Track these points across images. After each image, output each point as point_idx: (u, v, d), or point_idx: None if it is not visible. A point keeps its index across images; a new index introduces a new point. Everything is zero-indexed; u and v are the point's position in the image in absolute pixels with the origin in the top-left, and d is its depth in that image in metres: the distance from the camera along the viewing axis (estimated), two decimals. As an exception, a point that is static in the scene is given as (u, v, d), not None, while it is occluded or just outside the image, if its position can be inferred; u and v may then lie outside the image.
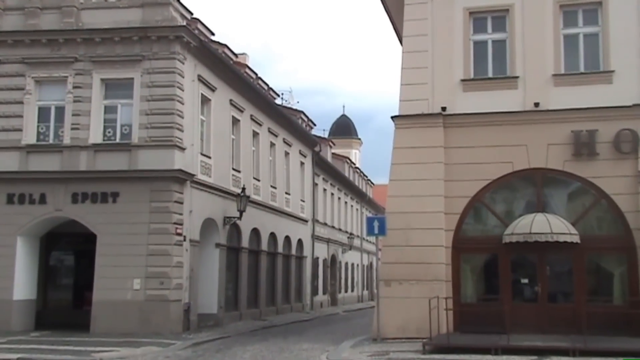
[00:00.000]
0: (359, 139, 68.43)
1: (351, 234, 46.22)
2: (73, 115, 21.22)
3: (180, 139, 21.04)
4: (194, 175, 21.69)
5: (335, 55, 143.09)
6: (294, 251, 33.47)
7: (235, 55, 29.14)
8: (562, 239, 16.40)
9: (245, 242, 26.67)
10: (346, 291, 46.46)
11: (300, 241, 34.63)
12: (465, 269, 17.59)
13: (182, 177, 20.92)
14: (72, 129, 21.15)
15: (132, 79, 21.13)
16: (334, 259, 42.97)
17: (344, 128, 66.63)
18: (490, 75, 17.85)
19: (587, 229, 16.93)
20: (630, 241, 16.55)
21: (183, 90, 21.32)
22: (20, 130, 21.30)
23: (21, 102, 21.41)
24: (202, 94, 23.00)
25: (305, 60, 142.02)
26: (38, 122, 21.60)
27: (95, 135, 21.13)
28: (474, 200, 17.41)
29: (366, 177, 58.08)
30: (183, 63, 21.39)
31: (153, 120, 20.80)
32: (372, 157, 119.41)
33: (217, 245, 23.96)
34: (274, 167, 30.85)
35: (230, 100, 25.55)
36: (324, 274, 39.92)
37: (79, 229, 20.94)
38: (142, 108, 20.92)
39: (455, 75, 17.81)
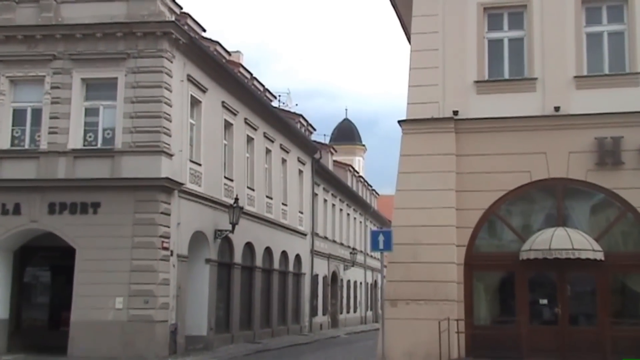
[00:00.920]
0: (363, 145, 68.53)
1: (354, 249, 46.22)
2: (51, 118, 21.27)
3: (168, 145, 21.08)
4: (182, 184, 21.72)
5: (337, 54, 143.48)
6: (291, 268, 33.46)
7: (229, 53, 29.23)
8: (584, 255, 16.40)
9: (238, 257, 26.68)
10: (348, 312, 46.38)
11: (298, 257, 34.63)
12: (479, 288, 17.58)
13: (169, 186, 20.95)
14: (50, 133, 21.20)
15: (116, 78, 21.20)
16: (335, 276, 42.93)
17: (346, 133, 66.73)
18: (506, 76, 17.89)
19: (612, 245, 16.93)
20: (659, 258, 16.56)
21: (171, 92, 21.38)
22: (-7, 134, 21.37)
23: (-6, 104, 21.49)
24: (191, 96, 23.06)
25: (304, 59, 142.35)
26: (12, 125, 21.66)
27: (75, 140, 21.18)
28: (489, 212, 17.42)
29: (370, 187, 58.09)
30: (171, 62, 21.46)
31: (138, 124, 20.85)
32: (377, 165, 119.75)
33: (207, 260, 23.97)
34: (269, 176, 30.88)
35: (223, 102, 25.61)
36: (324, 293, 39.89)
37: (57, 242, 20.95)
38: (127, 110, 20.97)
39: (468, 77, 17.85)
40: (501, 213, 17.54)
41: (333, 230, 42.78)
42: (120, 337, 19.84)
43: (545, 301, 17.26)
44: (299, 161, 35.37)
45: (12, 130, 21.63)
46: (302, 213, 35.52)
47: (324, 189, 40.56)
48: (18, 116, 21.65)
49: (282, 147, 32.51)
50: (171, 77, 21.40)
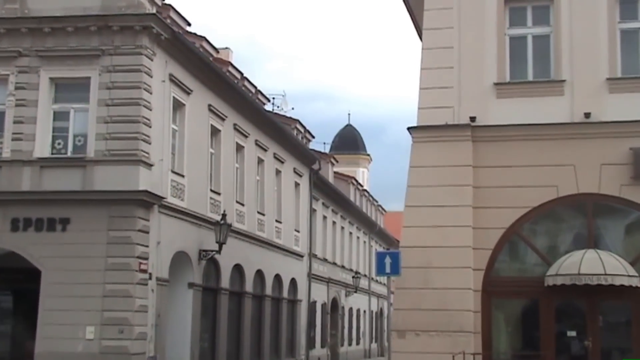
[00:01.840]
0: (368, 154, 68.61)
1: (357, 272, 46.19)
2: (15, 122, 21.28)
3: (147, 153, 21.09)
4: (162, 198, 21.72)
5: (338, 51, 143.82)
6: (285, 293, 33.41)
7: (216, 50, 29.30)
8: (618, 281, 16.36)
9: (225, 281, 26.64)
10: (350, 344, 46.30)
11: (293, 281, 34.58)
12: (498, 318, 17.55)
13: (148, 201, 20.94)
14: (14, 139, 21.21)
15: (89, 78, 21.23)
16: (335, 303, 42.85)
17: (349, 141, 66.84)
18: (530, 78, 17.91)
19: (650, 270, 16.91)
20: (703, 285, 16.52)
21: (151, 93, 21.41)
22: (-51, 140, 21.37)
23: (-49, 106, 21.51)
24: (174, 98, 23.09)
25: (301, 57, 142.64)
26: (-29, 130, 21.66)
27: (42, 148, 21.19)
28: (510, 232, 17.40)
29: (376, 202, 58.11)
30: (151, 59, 21.50)
31: (113, 130, 20.87)
32: (384, 177, 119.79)
33: (191, 285, 23.94)
34: (262, 189, 30.88)
35: (209, 105, 25.65)
36: (322, 322, 39.81)
37: (20, 263, 20.91)
38: (100, 114, 21.00)
39: (487, 78, 17.87)
40: (524, 233, 17.52)
41: (333, 251, 42.73)
42: (91, 371, 19.79)
43: (573, 333, 17.22)
44: (295, 173, 35.38)
45: (-29, 136, 21.62)
46: (298, 232, 35.49)
47: (323, 204, 40.55)
48: (-23, 120, 21.64)
49: (276, 157, 32.53)
50: (151, 76, 21.42)
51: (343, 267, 44.87)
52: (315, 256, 38.20)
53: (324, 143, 58.86)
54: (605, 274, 16.28)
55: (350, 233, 47.53)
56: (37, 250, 20.60)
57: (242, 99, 28.30)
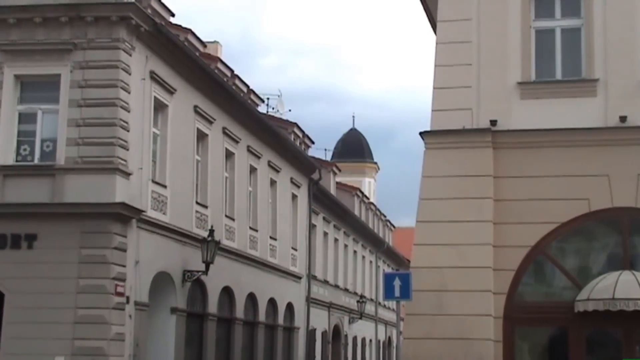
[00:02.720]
0: (375, 163, 68.70)
1: (362, 296, 46.15)
2: (-25, 125, 21.29)
3: (124, 161, 21.11)
4: (142, 211, 21.73)
5: (342, 45, 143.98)
6: (281, 320, 33.40)
7: (204, 44, 29.34)
8: (658, 307, 16.35)
9: (212, 306, 26.63)
10: (354, 377, 46.22)
11: (290, 306, 34.56)
12: (522, 349, 17.52)
13: (125, 214, 20.95)
14: (-26, 144, 21.22)
15: (59, 75, 21.26)
16: (337, 331, 42.80)
17: (353, 147, 66.95)
18: (558, 77, 17.92)
19: (694, 294, 16.87)
20: None
21: (129, 93, 21.44)
22: None
23: None
24: (155, 98, 23.12)
25: (300, 52, 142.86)
26: None
27: (5, 155, 21.20)
28: (535, 251, 17.39)
29: (384, 216, 58.11)
30: (130, 55, 21.53)
31: (87, 134, 20.90)
32: (393, 189, 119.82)
33: (174, 310, 23.93)
34: (254, 202, 30.89)
35: (195, 107, 25.68)
36: (323, 353, 39.76)
37: (-20, 285, 20.88)
38: (72, 117, 21.02)
39: (509, 77, 17.88)
40: (551, 252, 17.50)
41: (335, 272, 42.69)
42: (60, 408, 19.76)
43: (608, 365, 17.20)
44: (293, 183, 35.39)
45: None
46: (295, 250, 35.48)
47: (324, 219, 40.55)
48: None
49: (270, 165, 32.54)
50: (129, 74, 21.45)
51: (346, 290, 44.81)
52: (314, 278, 38.16)
53: (325, 149, 58.87)
54: (644, 299, 16.26)
55: (355, 252, 47.49)
56: (-1, 270, 20.59)
57: (232, 99, 28.33)
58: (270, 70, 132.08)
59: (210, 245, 24.53)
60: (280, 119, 38.83)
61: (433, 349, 17.03)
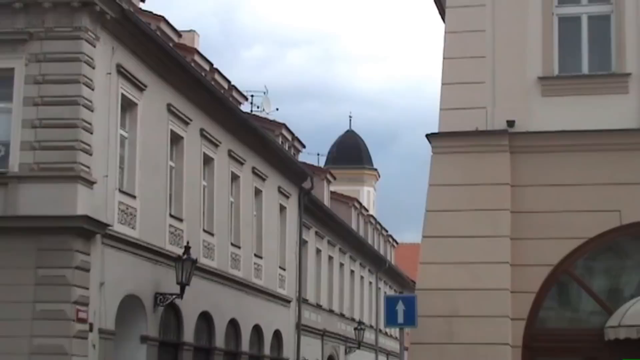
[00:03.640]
0: (375, 169, 68.74)
1: (360, 323, 46.15)
2: None
3: (88, 168, 21.09)
4: (107, 225, 21.71)
5: (337, 35, 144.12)
6: (267, 350, 33.37)
7: (179, 33, 29.34)
8: (699, 335, 16.37)
9: (189, 334, 26.60)
10: (351, 416, 46.19)
11: (277, 334, 34.54)
12: (544, 382, 17.53)
13: (88, 229, 20.94)
14: None
15: (12, 70, 21.23)
16: (332, 362, 42.79)
17: (350, 152, 66.99)
18: (584, 71, 17.94)
19: None
20: None
21: (93, 89, 21.43)
22: None
23: None
24: (123, 96, 23.10)
25: (289, 42, 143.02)
26: None
27: (-49, 160, 21.16)
28: (559, 271, 17.39)
29: (386, 231, 58.12)
30: (94, 46, 21.53)
31: (44, 137, 20.87)
32: (396, 199, 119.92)
33: (144, 339, 23.90)
34: (237, 214, 30.87)
35: (169, 105, 25.66)
36: (315, 388, 39.70)
37: None
38: (27, 117, 21.00)
39: (529, 71, 17.88)
40: (577, 271, 17.51)
41: (329, 295, 42.65)
42: None
43: (642, 402, 17.20)
44: (281, 193, 35.39)
45: None
46: (284, 270, 35.46)
47: (316, 233, 40.52)
48: None
49: (255, 172, 32.53)
50: (93, 68, 21.45)
51: (342, 315, 44.77)
52: (305, 302, 38.12)
53: (318, 154, 58.90)
54: (683, 326, 16.28)
55: (352, 271, 47.45)
56: (-57, 293, 20.52)
57: (211, 97, 28.31)
58: (255, 63, 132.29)
59: (185, 265, 24.47)
60: (267, 120, 38.84)
61: (442, 383, 17.04)
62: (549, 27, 18.07)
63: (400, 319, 17.39)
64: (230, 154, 30.13)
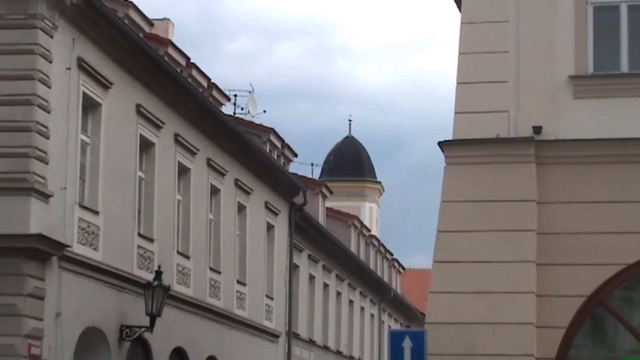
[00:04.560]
0: (378, 182, 68.69)
1: (360, 361, 46.16)
2: None
3: (43, 179, 21.07)
4: (66, 246, 21.66)
5: (335, 25, 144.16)
6: (251, 393, 33.30)
7: (150, 23, 29.33)
8: None
9: (159, 374, 26.55)
10: None
11: (263, 374, 34.46)
12: None
13: (43, 250, 20.90)
14: None
15: (-46, 63, 21.24)
16: (326, 408, 42.73)
17: (350, 162, 66.96)
18: (624, 69, 17.96)
19: None
20: None
21: (49, 87, 21.41)
22: None
23: None
24: (85, 94, 23.05)
25: (277, 35, 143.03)
26: None
27: None
28: (593, 302, 17.40)
29: (390, 254, 58.10)
30: (51, 36, 21.52)
31: (-8, 142, 20.85)
32: (402, 217, 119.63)
33: (107, 379, 23.86)
34: (216, 234, 30.83)
35: (138, 106, 25.61)
36: None
37: None
38: (-28, 118, 20.97)
39: (559, 69, 17.91)
40: (614, 303, 17.52)
41: (324, 329, 42.61)
42: None
43: None
44: (268, 209, 35.37)
45: None
46: (271, 299, 35.43)
47: (309, 257, 40.49)
48: None
49: (238, 185, 32.51)
50: (50, 62, 21.43)
51: (339, 353, 44.71)
52: (296, 336, 38.06)
53: (312, 164, 58.79)
54: None
55: (351, 301, 47.40)
56: None
57: (187, 96, 28.27)
58: (239, 58, 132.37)
59: (156, 292, 24.42)
60: (252, 124, 38.79)
61: None
62: (582, 17, 18.10)
63: (408, 357, 17.38)
64: (210, 164, 30.09)
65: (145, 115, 25.95)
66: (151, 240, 26.15)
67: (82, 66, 22.81)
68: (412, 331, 17.95)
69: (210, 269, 30.14)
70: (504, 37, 18.14)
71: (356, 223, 50.28)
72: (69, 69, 22.32)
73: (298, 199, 37.78)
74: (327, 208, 46.65)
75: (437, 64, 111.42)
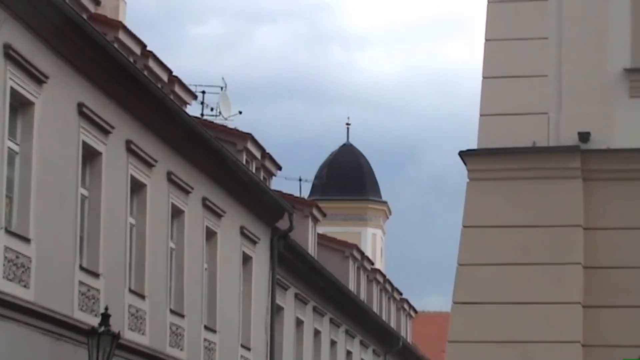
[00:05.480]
0: (384, 202, 68.84)
1: None
2: None
3: (-42, 196, 21.07)
4: (-14, 282, 21.67)
5: (329, 5, 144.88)
6: None
7: (97, 1, 29.31)
8: None
9: None
10: None
11: None
12: None
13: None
14: None
15: None
16: None
17: (347, 176, 67.25)
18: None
19: None
20: None
21: (-31, 82, 21.46)
22: None
23: None
24: (14, 90, 23.05)
25: (257, 17, 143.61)
26: None
27: None
28: (652, 354, 17.45)
29: (399, 293, 58.28)
30: (-29, 17, 21.56)
31: None
32: (413, 246, 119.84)
33: None
34: (179, 267, 30.85)
35: (81, 105, 25.62)
36: None
37: None
38: None
39: (611, 61, 17.98)
40: (680, 355, 17.55)
41: (316, 386, 42.70)
42: None
43: None
44: (245, 236, 35.44)
45: None
46: (248, 349, 35.55)
47: (296, 296, 40.58)
48: None
49: (207, 206, 32.55)
50: (-31, 49, 21.51)
51: (334, 417, 44.84)
52: (280, 397, 38.13)
53: (300, 179, 59.03)
54: None
55: (349, 352, 47.52)
56: None
57: (143, 93, 28.28)
58: (209, 45, 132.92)
59: (103, 341, 24.40)
60: (225, 128, 38.86)
61: None
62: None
63: None
64: (171, 179, 30.10)
65: (89, 117, 25.91)
66: (96, 275, 26.12)
67: (11, 55, 22.81)
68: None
69: (171, 311, 30.13)
70: (542, 21, 18.19)
71: (355, 254, 50.33)
72: (-7, 57, 22.38)
73: (282, 224, 37.85)
74: (318, 235, 46.72)
75: (458, 53, 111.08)
